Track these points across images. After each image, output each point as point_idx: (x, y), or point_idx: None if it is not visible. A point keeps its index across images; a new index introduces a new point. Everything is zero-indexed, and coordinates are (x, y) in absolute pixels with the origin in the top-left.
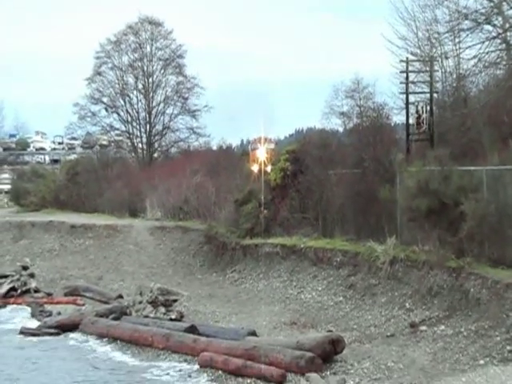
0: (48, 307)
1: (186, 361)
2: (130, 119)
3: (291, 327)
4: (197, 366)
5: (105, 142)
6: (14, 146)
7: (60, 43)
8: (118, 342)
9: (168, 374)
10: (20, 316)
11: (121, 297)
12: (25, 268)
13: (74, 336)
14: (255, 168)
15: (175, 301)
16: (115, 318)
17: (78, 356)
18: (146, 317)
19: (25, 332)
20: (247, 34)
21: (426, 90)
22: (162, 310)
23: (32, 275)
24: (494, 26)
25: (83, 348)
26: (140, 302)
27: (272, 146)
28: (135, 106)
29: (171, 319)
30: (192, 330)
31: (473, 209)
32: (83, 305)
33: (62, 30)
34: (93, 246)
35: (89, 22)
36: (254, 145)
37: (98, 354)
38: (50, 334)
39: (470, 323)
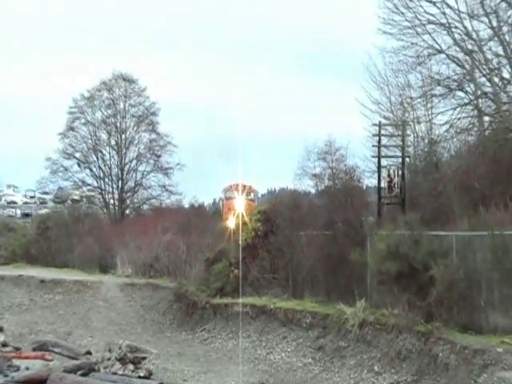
0: (16, 362)
1: None
2: (102, 175)
3: None
4: None
5: (77, 197)
6: None
7: (33, 96)
8: None
9: None
10: None
11: (89, 353)
12: None
13: None
14: (231, 222)
15: (144, 358)
16: (83, 374)
17: None
18: (115, 374)
19: None
20: (220, 93)
21: (398, 153)
22: (131, 367)
23: (0, 329)
24: (466, 92)
25: None
26: (109, 359)
27: (252, 196)
28: (108, 162)
29: (140, 377)
30: None
31: (442, 274)
32: (51, 360)
33: (34, 82)
34: (62, 301)
35: (61, 76)
36: (229, 193)
37: None
38: None
39: None
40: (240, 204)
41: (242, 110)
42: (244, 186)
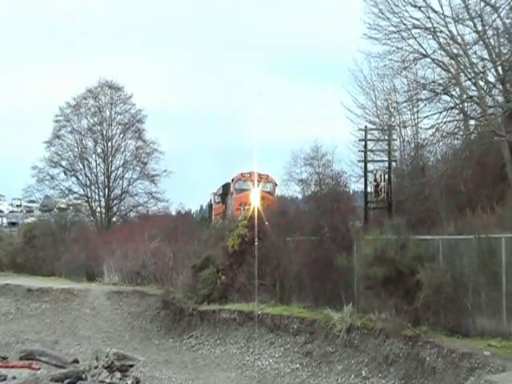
0: (3, 371)
1: None
2: (88, 183)
3: None
4: None
5: (63, 206)
6: None
7: (19, 105)
8: None
9: None
10: None
11: (77, 361)
12: None
13: None
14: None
15: (131, 366)
16: (71, 383)
17: None
18: (102, 382)
19: None
20: (207, 100)
21: (385, 158)
22: (118, 375)
23: None
24: (452, 96)
25: None
26: (96, 367)
27: (269, 188)
28: (94, 170)
29: None
30: None
31: (429, 278)
32: (39, 369)
33: (20, 91)
34: (49, 309)
35: (48, 84)
36: (240, 183)
37: None
38: None
39: None
40: (256, 197)
41: (229, 115)
42: (260, 175)
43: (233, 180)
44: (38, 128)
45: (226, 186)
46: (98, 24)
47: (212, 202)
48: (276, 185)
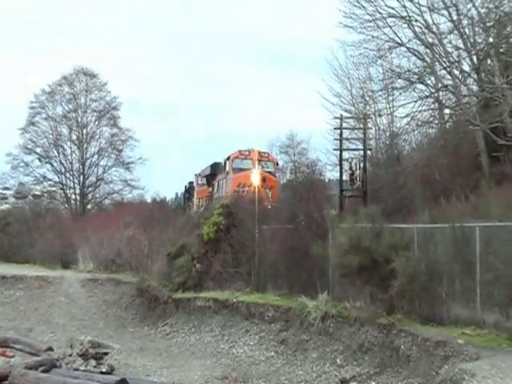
0: None
1: None
2: (63, 170)
3: (223, 382)
4: None
5: (38, 193)
6: None
7: None
8: None
9: None
10: None
11: (51, 349)
12: None
13: None
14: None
15: (106, 354)
16: (45, 371)
17: None
18: (77, 370)
19: None
20: (181, 88)
21: (360, 146)
22: (93, 362)
23: None
24: (427, 85)
25: None
26: (70, 355)
27: (270, 167)
28: (69, 157)
29: (102, 372)
30: (122, 383)
31: (403, 266)
32: (13, 356)
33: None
34: (23, 297)
35: (23, 71)
36: (237, 162)
37: None
38: None
39: (400, 380)
40: (256, 177)
41: (203, 104)
42: (260, 154)
43: (229, 158)
44: (14, 115)
45: (214, 166)
46: (87, 15)
47: (194, 183)
48: (277, 164)
